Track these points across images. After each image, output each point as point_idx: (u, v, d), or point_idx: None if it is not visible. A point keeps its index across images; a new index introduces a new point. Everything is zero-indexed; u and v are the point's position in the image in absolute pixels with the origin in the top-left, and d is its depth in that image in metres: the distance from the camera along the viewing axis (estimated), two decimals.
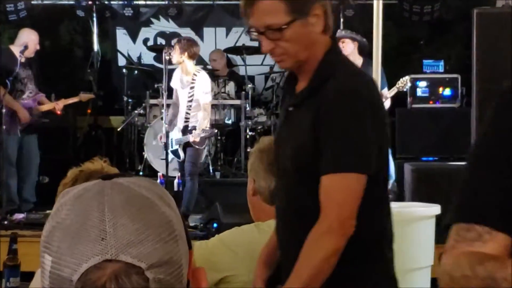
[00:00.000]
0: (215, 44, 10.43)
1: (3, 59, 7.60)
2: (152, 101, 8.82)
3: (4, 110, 7.40)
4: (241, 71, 9.81)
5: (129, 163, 9.26)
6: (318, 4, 2.22)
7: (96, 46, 10.66)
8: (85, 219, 0.93)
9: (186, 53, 7.22)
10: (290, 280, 2.10)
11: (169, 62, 7.42)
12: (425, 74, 8.80)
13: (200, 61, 8.55)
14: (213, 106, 8.03)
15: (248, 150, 8.09)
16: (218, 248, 2.66)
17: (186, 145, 7.36)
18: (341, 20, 9.80)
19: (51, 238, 0.94)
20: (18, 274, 2.95)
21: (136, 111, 9.03)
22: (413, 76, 8.28)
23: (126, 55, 10.75)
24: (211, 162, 8.53)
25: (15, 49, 7.69)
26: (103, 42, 10.94)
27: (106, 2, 10.44)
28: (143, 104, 8.94)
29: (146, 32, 10.75)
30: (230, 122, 8.83)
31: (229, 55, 9.99)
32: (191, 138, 7.18)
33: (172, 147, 7.47)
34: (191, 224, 6.77)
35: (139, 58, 10.74)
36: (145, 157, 8.62)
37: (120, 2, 10.42)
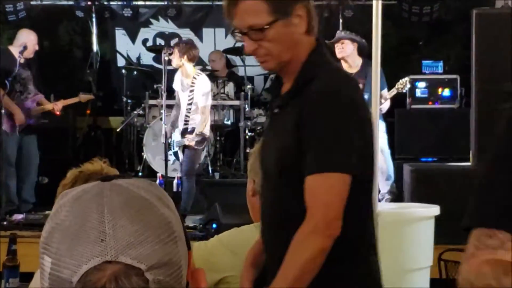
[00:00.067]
0: (214, 44, 10.42)
1: (2, 59, 7.59)
2: (151, 102, 8.82)
3: (3, 111, 7.40)
4: (241, 71, 9.82)
5: (128, 163, 9.25)
6: (301, 4, 2.22)
7: (95, 47, 10.67)
8: (84, 221, 0.93)
9: (185, 56, 7.23)
10: (276, 280, 2.09)
11: (169, 62, 7.42)
12: (424, 75, 8.80)
13: (199, 62, 8.54)
14: (213, 107, 8.03)
15: (248, 150, 8.09)
16: (218, 249, 2.67)
17: (184, 146, 7.40)
18: (340, 20, 9.81)
19: (51, 240, 0.94)
20: (18, 274, 2.95)
21: (135, 112, 9.03)
22: (412, 76, 8.26)
23: (125, 55, 10.73)
24: (210, 163, 8.53)
25: (14, 49, 7.68)
26: (102, 42, 10.93)
27: (105, 3, 10.43)
28: (142, 105, 8.94)
29: (145, 33, 10.73)
30: (229, 122, 8.84)
31: (228, 56, 9.98)
32: (186, 141, 7.25)
33: (173, 149, 7.51)
34: (190, 225, 6.77)
35: (138, 58, 10.72)
36: (144, 157, 8.62)
37: (120, 3, 10.41)
